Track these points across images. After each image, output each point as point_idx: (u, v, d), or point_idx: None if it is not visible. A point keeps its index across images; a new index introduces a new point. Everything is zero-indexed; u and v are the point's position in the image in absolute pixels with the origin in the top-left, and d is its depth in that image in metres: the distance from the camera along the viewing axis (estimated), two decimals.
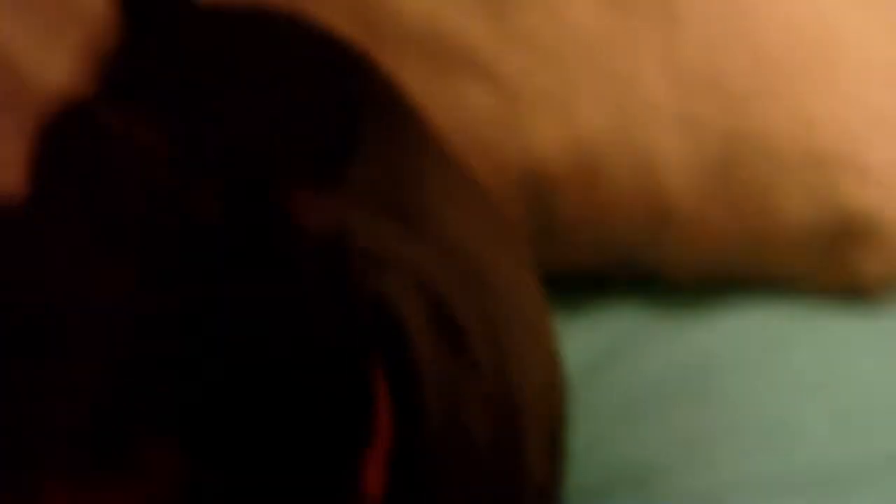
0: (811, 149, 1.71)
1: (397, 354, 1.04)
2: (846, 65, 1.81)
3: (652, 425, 1.65)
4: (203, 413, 0.99)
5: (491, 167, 1.67)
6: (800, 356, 1.71)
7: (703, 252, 1.76)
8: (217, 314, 0.98)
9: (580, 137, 1.71)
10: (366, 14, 1.77)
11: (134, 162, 1.08)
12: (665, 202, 1.72)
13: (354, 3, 1.79)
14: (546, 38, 1.77)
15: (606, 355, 1.72)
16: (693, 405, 1.67)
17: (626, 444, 1.63)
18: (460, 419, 1.11)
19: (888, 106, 1.80)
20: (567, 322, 1.65)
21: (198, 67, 1.46)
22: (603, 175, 1.71)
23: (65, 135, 1.07)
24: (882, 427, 1.67)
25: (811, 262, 1.75)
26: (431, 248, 1.23)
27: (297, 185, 1.05)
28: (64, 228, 1.03)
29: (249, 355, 0.98)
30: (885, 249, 1.74)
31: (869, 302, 1.76)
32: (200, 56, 1.48)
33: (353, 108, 1.37)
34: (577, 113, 1.72)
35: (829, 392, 1.69)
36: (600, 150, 1.71)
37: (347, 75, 1.44)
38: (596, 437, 1.59)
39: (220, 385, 0.98)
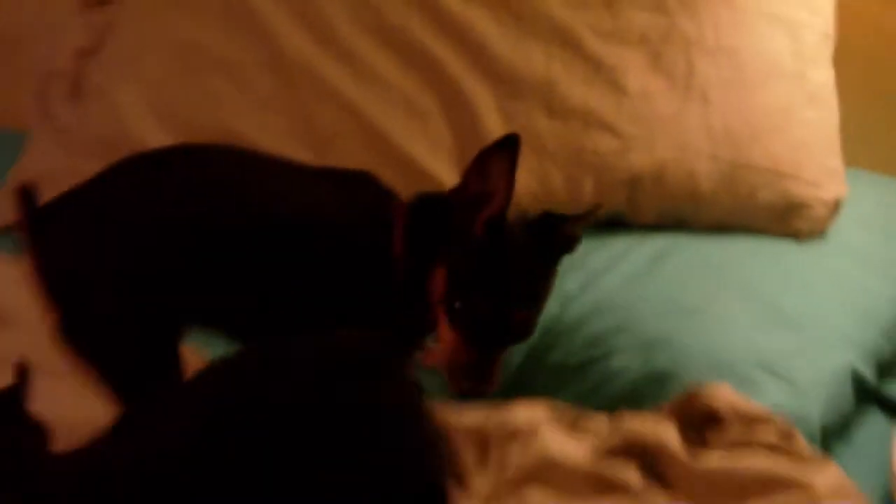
0: (775, 168, 2.39)
1: None
2: (798, 124, 2.43)
3: (689, 290, 2.27)
4: None
5: (610, 176, 2.39)
6: (767, 261, 2.34)
7: (716, 216, 2.41)
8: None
9: (657, 163, 2.39)
10: (552, 102, 2.40)
11: None
12: (699, 194, 2.40)
13: (548, 98, 2.40)
14: (642, 111, 2.41)
15: (664, 253, 2.34)
16: (713, 279, 2.29)
17: (682, 296, 2.24)
18: None
19: (815, 145, 2.44)
20: (644, 238, 2.39)
21: None
22: (667, 181, 2.40)
23: None
24: (810, 295, 2.27)
25: (773, 222, 2.40)
26: None
27: None
28: None
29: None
30: (810, 217, 2.39)
31: (801, 242, 2.39)
32: None
33: None
34: (657, 150, 2.41)
35: (784, 278, 2.32)
36: (667, 169, 2.40)
37: None
38: (661, 293, 2.25)
39: None
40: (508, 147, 1.45)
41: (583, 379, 2.17)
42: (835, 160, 2.41)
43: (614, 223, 2.40)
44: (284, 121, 2.43)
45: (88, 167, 2.27)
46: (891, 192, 2.56)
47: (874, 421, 2.22)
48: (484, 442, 2.01)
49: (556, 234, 1.48)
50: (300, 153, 2.32)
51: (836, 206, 2.38)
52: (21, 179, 2.31)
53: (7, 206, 2.24)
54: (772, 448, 1.93)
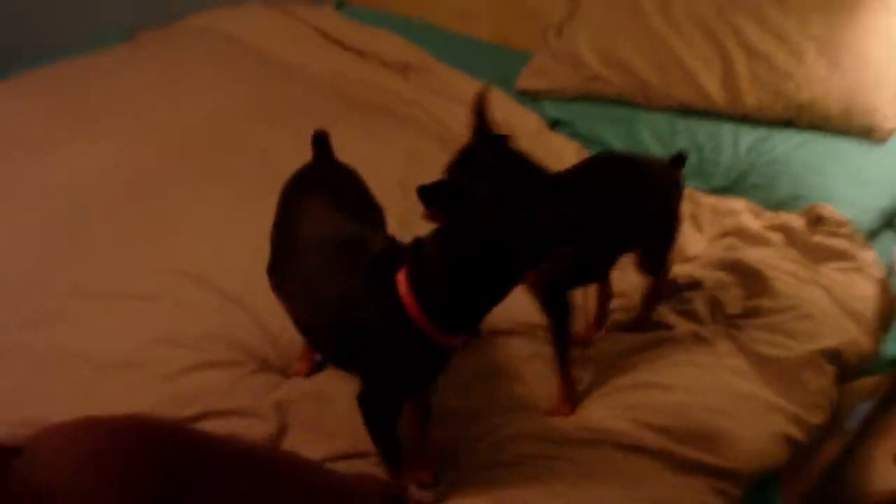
0: (871, 109, 2.13)
1: None
2: (881, 91, 2.12)
3: (816, 159, 2.10)
4: None
5: (790, 102, 2.16)
6: (858, 152, 2.13)
7: (836, 127, 2.18)
8: None
9: (813, 98, 2.17)
10: (771, 63, 2.19)
11: None
12: (829, 116, 2.17)
13: (769, 61, 2.19)
14: (810, 73, 2.17)
15: (807, 141, 2.13)
16: (829, 156, 2.11)
17: (812, 161, 2.08)
18: None
19: (888, 103, 2.14)
20: (801, 132, 2.16)
21: None
22: (815, 107, 2.17)
23: None
24: (873, 169, 2.07)
25: (864, 134, 2.16)
26: None
27: None
28: None
29: None
30: (883, 132, 2.13)
31: (875, 145, 2.13)
32: None
33: None
34: (813, 91, 2.15)
35: (866, 159, 2.12)
36: (816, 101, 2.17)
37: None
38: (803, 159, 2.08)
39: None
40: (478, 100, 1.23)
41: (763, 192, 2.12)
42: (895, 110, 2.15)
43: (787, 124, 2.24)
44: (644, 57, 2.34)
45: (563, 70, 2.39)
46: None
47: (889, 236, 2.10)
48: (716, 212, 2.05)
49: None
50: (648, 70, 2.31)
51: (893, 131, 2.19)
52: (528, 73, 2.46)
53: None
54: (846, 236, 1.91)
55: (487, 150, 1.18)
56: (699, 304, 1.65)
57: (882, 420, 1.90)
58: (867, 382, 1.80)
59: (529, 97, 2.38)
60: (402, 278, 1.04)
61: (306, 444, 1.27)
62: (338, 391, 1.33)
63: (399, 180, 1.80)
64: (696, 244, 1.88)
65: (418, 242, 1.05)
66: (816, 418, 1.47)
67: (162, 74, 2.18)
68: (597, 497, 1.21)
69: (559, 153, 2.10)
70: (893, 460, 1.77)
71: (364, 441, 1.20)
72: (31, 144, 1.84)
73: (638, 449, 1.30)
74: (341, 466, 1.21)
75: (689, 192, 2.10)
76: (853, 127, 2.15)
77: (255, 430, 1.28)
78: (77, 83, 2.08)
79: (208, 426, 1.25)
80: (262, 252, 1.33)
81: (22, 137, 1.86)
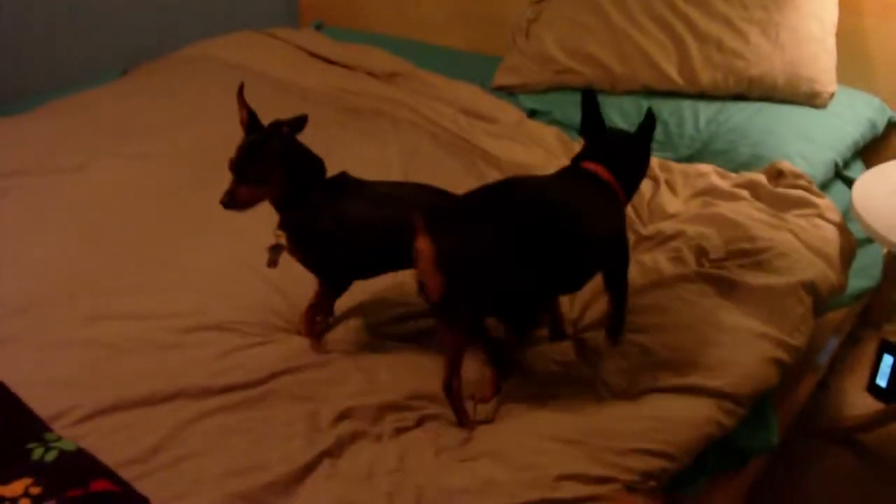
0: (810, 78, 2.21)
1: None
2: (819, 62, 2.21)
3: (770, 124, 2.14)
4: None
5: (741, 77, 2.23)
6: (803, 115, 2.20)
7: (782, 97, 2.25)
8: None
9: (761, 73, 2.23)
10: (720, 45, 2.27)
11: None
12: (777, 87, 2.23)
13: (717, 43, 2.27)
14: (756, 51, 2.24)
15: (760, 110, 2.20)
16: (780, 120, 2.15)
17: (767, 126, 2.12)
18: None
19: (827, 70, 2.23)
20: (754, 103, 2.22)
21: None
22: (764, 80, 2.23)
23: None
24: (818, 129, 2.12)
25: (808, 100, 2.25)
26: None
27: None
28: None
29: None
30: (822, 98, 2.23)
31: (817, 109, 2.23)
32: None
33: None
34: (761, 67, 2.22)
35: (808, 121, 2.17)
36: (765, 76, 2.23)
37: None
38: (759, 125, 2.12)
39: None
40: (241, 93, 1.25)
41: (725, 156, 2.12)
42: (833, 77, 2.26)
43: (739, 97, 2.29)
44: (607, 49, 2.39)
45: (534, 67, 2.43)
46: (851, 96, 2.34)
47: (840, 187, 2.15)
48: (686, 176, 2.04)
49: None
50: (612, 60, 2.36)
51: (832, 96, 2.26)
52: (502, 71, 2.50)
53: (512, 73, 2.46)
54: (803, 188, 1.93)
55: (274, 142, 1.25)
56: (685, 252, 1.68)
57: (850, 354, 2.10)
58: (834, 317, 1.90)
59: (506, 92, 2.41)
60: (602, 172, 1.34)
61: (362, 395, 1.30)
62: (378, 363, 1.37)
63: (402, 173, 1.87)
64: (674, 204, 1.92)
65: (605, 149, 1.38)
66: (798, 341, 1.50)
67: (170, 97, 2.20)
68: (604, 416, 1.24)
69: (542, 138, 2.14)
70: (865, 390, 1.96)
71: (409, 392, 1.28)
72: (59, 167, 1.87)
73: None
74: (393, 416, 1.25)
75: (660, 160, 2.17)
76: (798, 95, 2.22)
77: (315, 384, 1.31)
78: (93, 111, 2.11)
79: (271, 385, 1.29)
80: None
81: (50, 162, 1.90)
